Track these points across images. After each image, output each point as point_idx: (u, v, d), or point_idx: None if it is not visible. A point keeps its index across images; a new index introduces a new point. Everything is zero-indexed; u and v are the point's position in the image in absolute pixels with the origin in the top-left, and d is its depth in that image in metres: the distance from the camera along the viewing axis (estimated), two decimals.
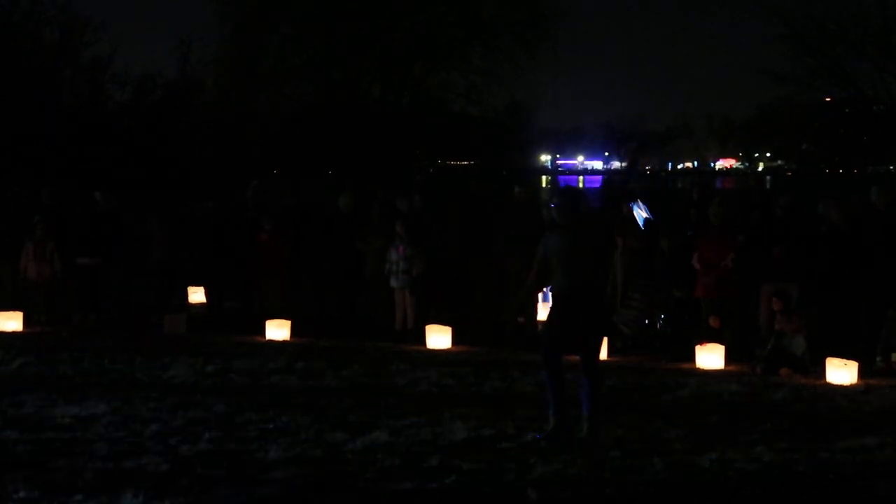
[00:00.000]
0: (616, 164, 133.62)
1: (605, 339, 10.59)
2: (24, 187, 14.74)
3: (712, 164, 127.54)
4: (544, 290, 10.95)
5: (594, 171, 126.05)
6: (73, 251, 12.55)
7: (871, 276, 10.22)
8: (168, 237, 12.79)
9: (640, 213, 8.99)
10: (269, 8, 27.09)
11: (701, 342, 10.31)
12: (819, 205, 11.15)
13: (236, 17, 27.20)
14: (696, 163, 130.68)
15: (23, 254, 12.44)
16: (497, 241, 11.88)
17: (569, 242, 7.23)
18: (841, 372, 9.35)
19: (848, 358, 9.45)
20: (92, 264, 12.51)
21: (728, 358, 10.18)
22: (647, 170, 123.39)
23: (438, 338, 11.13)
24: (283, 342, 11.33)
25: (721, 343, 10.25)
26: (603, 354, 10.54)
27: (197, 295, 13.42)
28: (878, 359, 9.95)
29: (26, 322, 11.86)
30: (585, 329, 7.20)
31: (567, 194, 7.52)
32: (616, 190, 11.42)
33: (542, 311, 12.15)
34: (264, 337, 11.45)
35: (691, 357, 10.25)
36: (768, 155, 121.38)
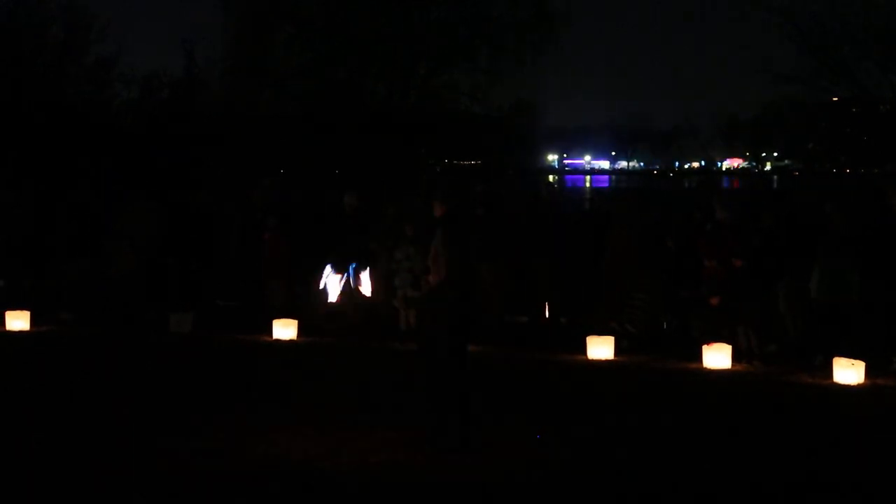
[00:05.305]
0: (623, 164, 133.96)
1: (611, 341, 10.64)
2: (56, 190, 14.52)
3: (719, 164, 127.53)
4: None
5: (601, 171, 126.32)
6: (153, 250, 12.51)
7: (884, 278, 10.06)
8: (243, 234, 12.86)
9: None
10: (274, 7, 27.13)
11: (707, 342, 10.27)
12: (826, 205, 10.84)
13: (241, 16, 27.24)
14: (702, 162, 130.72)
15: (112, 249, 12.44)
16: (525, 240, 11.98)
17: (455, 239, 7.21)
18: (848, 372, 9.32)
19: (855, 358, 9.40)
20: (171, 263, 12.50)
21: (735, 358, 10.14)
22: (655, 169, 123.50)
23: None
24: (290, 341, 11.32)
25: (728, 343, 10.21)
26: (610, 354, 10.53)
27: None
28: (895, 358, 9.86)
29: (33, 322, 11.85)
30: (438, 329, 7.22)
31: (455, 190, 7.48)
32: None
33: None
34: (271, 336, 11.44)
35: (698, 357, 10.22)
36: (775, 154, 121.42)
